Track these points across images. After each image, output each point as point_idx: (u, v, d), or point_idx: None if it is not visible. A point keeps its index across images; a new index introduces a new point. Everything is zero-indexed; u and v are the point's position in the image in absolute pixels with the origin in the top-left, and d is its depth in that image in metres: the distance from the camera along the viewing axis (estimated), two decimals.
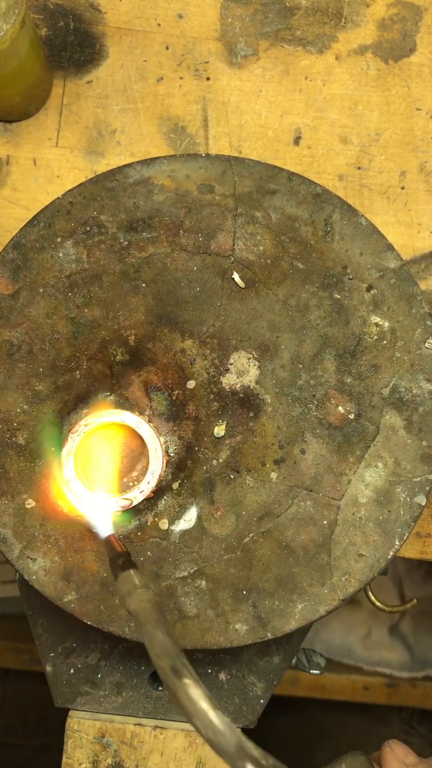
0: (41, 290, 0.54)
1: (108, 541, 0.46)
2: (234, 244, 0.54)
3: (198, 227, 0.54)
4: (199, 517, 0.53)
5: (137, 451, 0.53)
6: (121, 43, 0.63)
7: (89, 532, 0.52)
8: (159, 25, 0.63)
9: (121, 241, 0.54)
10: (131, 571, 0.41)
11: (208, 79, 0.63)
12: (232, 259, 0.54)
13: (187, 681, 0.34)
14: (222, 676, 0.58)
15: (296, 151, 0.63)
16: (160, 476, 0.52)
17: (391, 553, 0.52)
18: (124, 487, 0.53)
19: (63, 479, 0.51)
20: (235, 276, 0.54)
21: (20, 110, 0.61)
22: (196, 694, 0.34)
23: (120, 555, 0.44)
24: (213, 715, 0.33)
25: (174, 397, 0.54)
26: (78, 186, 0.55)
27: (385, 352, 0.54)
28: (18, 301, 0.54)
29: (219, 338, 0.54)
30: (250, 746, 0.33)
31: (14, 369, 0.53)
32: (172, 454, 0.53)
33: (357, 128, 0.63)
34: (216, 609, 0.52)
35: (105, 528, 0.49)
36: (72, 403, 0.53)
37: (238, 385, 0.54)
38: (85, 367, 0.54)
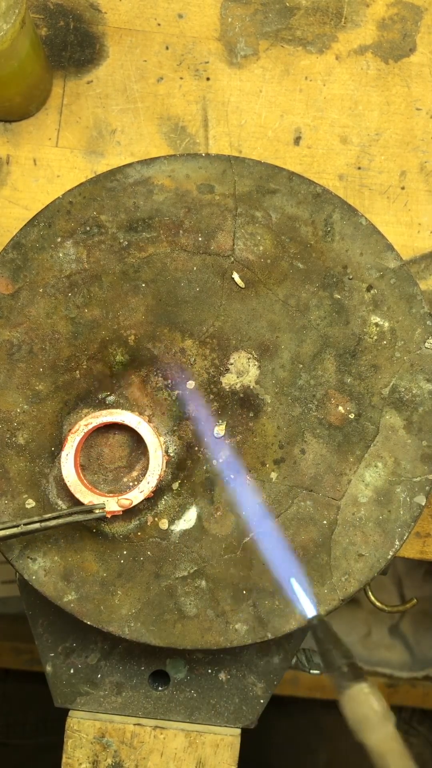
0: (41, 290, 0.54)
1: (319, 629, 0.35)
2: (234, 244, 0.54)
3: (198, 227, 0.54)
4: (199, 517, 0.53)
5: (137, 451, 0.53)
6: (121, 43, 0.63)
7: (95, 527, 0.52)
8: (159, 25, 0.63)
9: (121, 241, 0.54)
10: (366, 686, 0.31)
11: (208, 79, 0.63)
12: (232, 259, 0.54)
13: None
14: (222, 676, 0.58)
15: (296, 151, 0.63)
16: (160, 476, 0.52)
17: (391, 553, 0.52)
18: (124, 487, 0.53)
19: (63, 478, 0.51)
20: (235, 276, 0.54)
21: (20, 110, 0.61)
22: None
23: (344, 656, 0.33)
24: None
25: (174, 397, 0.54)
26: (78, 186, 0.55)
27: (385, 352, 0.54)
28: (18, 301, 0.54)
29: (219, 338, 0.54)
30: None
31: (14, 369, 0.53)
32: (172, 454, 0.53)
33: (357, 128, 0.63)
34: (216, 609, 0.52)
35: (309, 607, 0.38)
36: (72, 403, 0.53)
37: (238, 385, 0.54)
38: (85, 367, 0.54)
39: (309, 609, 0.37)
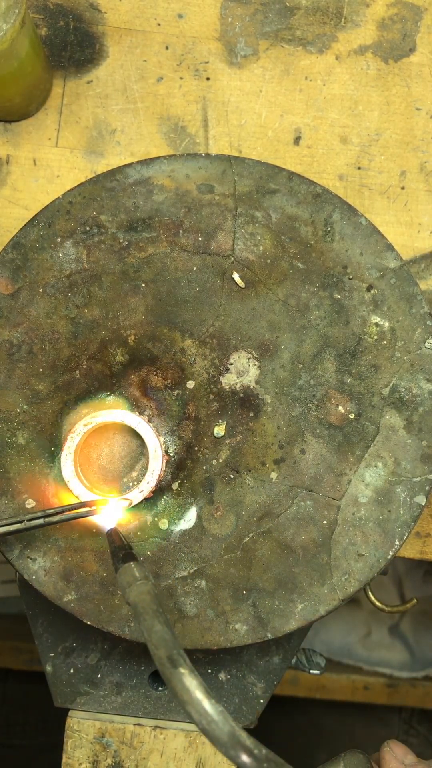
0: (41, 290, 0.54)
1: (110, 534, 0.47)
2: (234, 244, 0.54)
3: (198, 227, 0.54)
4: (199, 517, 0.53)
5: (137, 451, 0.53)
6: (121, 43, 0.63)
7: (95, 527, 0.52)
8: (159, 25, 0.63)
9: (121, 241, 0.54)
10: (132, 563, 0.42)
11: (208, 79, 0.63)
12: (232, 259, 0.54)
13: (183, 670, 0.34)
14: (222, 676, 0.58)
15: (296, 151, 0.63)
16: (159, 476, 0.52)
17: (391, 553, 0.52)
18: (124, 487, 0.53)
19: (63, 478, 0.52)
20: (235, 276, 0.54)
21: (20, 110, 0.61)
22: (191, 683, 0.34)
23: (121, 548, 0.44)
24: (207, 704, 0.33)
25: (174, 397, 0.54)
26: (78, 186, 0.55)
27: (385, 352, 0.54)
28: (18, 301, 0.54)
29: (219, 338, 0.54)
30: (243, 735, 0.33)
31: (14, 369, 0.53)
32: (172, 454, 0.53)
33: (357, 128, 0.63)
34: (216, 609, 0.52)
35: (108, 521, 0.50)
36: (72, 403, 0.53)
37: (238, 385, 0.54)
38: (85, 367, 0.54)
39: (109, 524, 0.50)
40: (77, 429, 0.51)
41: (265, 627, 0.52)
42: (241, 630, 0.52)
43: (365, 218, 0.54)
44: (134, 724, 0.57)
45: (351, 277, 0.54)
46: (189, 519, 0.53)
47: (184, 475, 0.53)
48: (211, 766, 0.56)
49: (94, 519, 0.51)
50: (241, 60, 0.63)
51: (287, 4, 0.63)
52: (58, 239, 0.54)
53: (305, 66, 0.63)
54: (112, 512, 0.51)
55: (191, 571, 0.52)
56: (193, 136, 0.63)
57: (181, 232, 0.54)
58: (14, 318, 0.54)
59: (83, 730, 0.57)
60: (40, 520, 0.49)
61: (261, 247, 0.54)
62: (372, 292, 0.54)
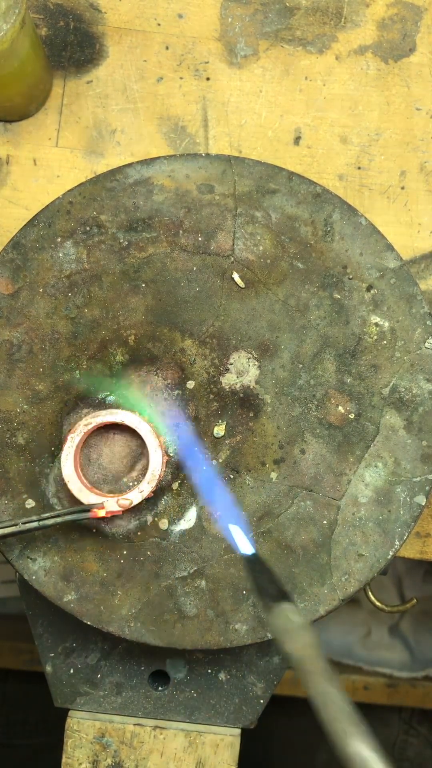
0: (41, 290, 0.54)
1: (253, 562, 0.41)
2: (234, 244, 0.54)
3: (198, 227, 0.54)
4: (199, 517, 0.53)
5: (137, 451, 0.53)
6: (121, 43, 0.63)
7: (95, 527, 0.52)
8: (159, 25, 0.63)
9: (121, 241, 0.54)
10: (288, 605, 0.36)
11: (208, 79, 0.63)
12: (232, 259, 0.54)
13: (366, 753, 0.30)
14: (222, 676, 0.58)
15: (296, 151, 0.63)
16: (159, 476, 0.52)
17: (391, 553, 0.52)
18: (124, 487, 0.53)
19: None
20: (235, 276, 0.54)
21: (20, 110, 0.61)
22: (376, 763, 0.30)
23: (272, 583, 0.39)
24: None
25: (174, 397, 0.54)
26: (78, 186, 0.55)
27: (385, 352, 0.54)
28: (18, 301, 0.54)
29: (219, 338, 0.54)
30: None
31: (14, 369, 0.53)
32: (172, 454, 0.53)
33: (357, 128, 0.63)
34: (216, 609, 0.52)
35: (246, 545, 0.44)
36: (72, 403, 0.53)
37: (238, 385, 0.54)
38: (85, 367, 0.54)
39: (247, 548, 0.43)
40: (77, 429, 0.51)
41: (265, 627, 0.52)
42: (241, 630, 0.52)
43: (365, 218, 0.54)
44: (134, 724, 0.57)
45: (351, 277, 0.54)
46: (189, 519, 0.53)
47: (184, 475, 0.53)
48: (211, 766, 0.56)
49: (231, 540, 0.47)
50: (241, 60, 0.63)
51: (287, 4, 0.63)
52: (58, 239, 0.54)
53: (305, 66, 0.63)
54: (244, 534, 0.46)
55: (191, 571, 0.52)
56: (193, 136, 0.63)
57: (181, 232, 0.54)
58: (14, 318, 0.54)
59: (83, 730, 0.57)
60: (35, 523, 0.49)
61: (261, 247, 0.54)
62: (372, 292, 0.54)
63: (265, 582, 0.39)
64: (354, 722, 0.31)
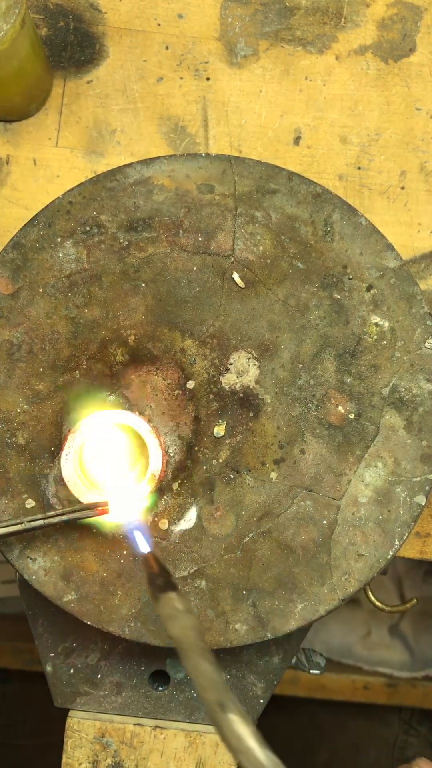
0: (41, 290, 0.54)
1: (147, 559, 0.45)
2: (234, 244, 0.54)
3: (198, 227, 0.54)
4: (199, 517, 0.53)
5: (137, 451, 0.53)
6: (121, 43, 0.63)
7: (95, 528, 0.52)
8: (159, 25, 0.63)
9: (121, 241, 0.54)
10: (173, 593, 0.39)
11: (208, 79, 0.63)
12: (232, 259, 0.54)
13: (234, 717, 0.33)
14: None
15: (296, 151, 0.63)
16: (159, 476, 0.52)
17: (391, 553, 0.52)
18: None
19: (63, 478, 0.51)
20: (235, 276, 0.54)
21: (20, 110, 0.61)
22: (243, 730, 0.32)
23: (160, 575, 0.42)
24: (261, 754, 0.32)
25: (174, 397, 0.54)
26: (78, 186, 0.55)
27: (385, 352, 0.54)
28: (18, 301, 0.54)
29: (219, 338, 0.54)
30: None
31: (14, 369, 0.53)
32: (172, 454, 0.53)
33: (357, 128, 0.63)
34: (216, 609, 0.52)
35: (143, 545, 0.48)
36: (72, 403, 0.53)
37: (238, 385, 0.54)
38: (85, 367, 0.54)
39: (144, 547, 0.47)
40: (77, 429, 0.51)
41: (265, 627, 0.52)
42: (241, 630, 0.52)
43: (365, 218, 0.54)
44: (134, 724, 0.57)
45: (351, 277, 0.54)
46: (189, 519, 0.53)
47: (184, 475, 0.53)
48: (211, 766, 0.56)
49: (129, 540, 0.50)
50: (241, 60, 0.63)
51: (287, 4, 0.63)
52: (58, 239, 0.54)
53: (305, 66, 0.63)
54: (143, 532, 0.48)
55: (191, 571, 0.52)
56: (193, 136, 0.63)
57: (181, 232, 0.54)
58: (14, 318, 0.54)
59: (83, 730, 0.57)
60: (40, 522, 0.49)
61: (261, 247, 0.54)
62: (372, 292, 0.54)
63: (155, 575, 0.42)
64: (224, 692, 0.33)
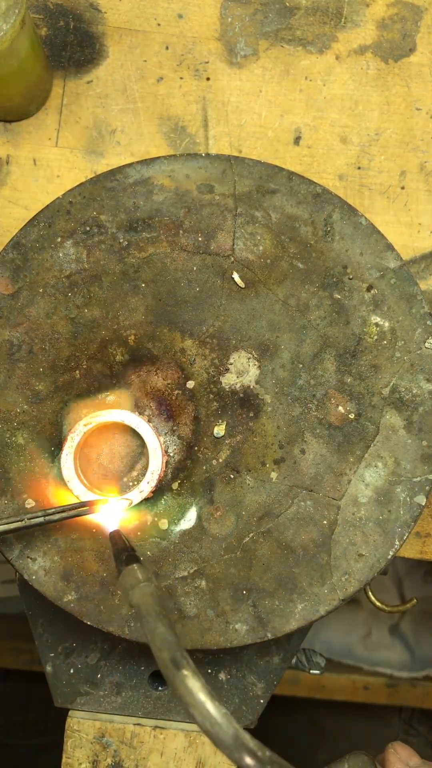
0: (41, 290, 0.54)
1: (112, 536, 0.47)
2: (234, 244, 0.54)
3: (198, 227, 0.54)
4: (198, 517, 0.53)
5: (137, 451, 0.53)
6: (121, 43, 0.63)
7: (95, 527, 0.52)
8: (159, 25, 0.63)
9: (121, 241, 0.54)
10: (135, 565, 0.42)
11: (208, 79, 0.63)
12: (232, 259, 0.54)
13: (186, 672, 0.34)
14: (222, 676, 0.58)
15: (296, 151, 0.63)
16: (159, 476, 0.52)
17: (391, 553, 0.52)
18: (124, 487, 0.53)
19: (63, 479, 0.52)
20: (235, 276, 0.54)
21: (20, 110, 0.61)
22: (194, 685, 0.34)
23: (124, 549, 0.44)
24: (211, 707, 0.33)
25: (174, 397, 0.54)
26: (78, 186, 0.55)
27: (385, 352, 0.54)
28: (18, 301, 0.54)
29: (219, 338, 0.54)
30: (246, 738, 0.33)
31: (14, 369, 0.53)
32: (171, 454, 0.53)
33: (357, 128, 0.63)
34: (216, 609, 0.52)
35: (110, 523, 0.50)
36: (72, 403, 0.53)
37: (238, 385, 0.54)
38: (85, 367, 0.54)
39: (112, 526, 0.49)
40: (77, 429, 0.51)
41: (265, 627, 0.52)
42: (241, 630, 0.52)
43: (365, 218, 0.54)
44: (134, 724, 0.57)
45: (351, 277, 0.54)
46: (189, 519, 0.53)
47: (184, 475, 0.53)
48: (211, 766, 0.56)
49: (96, 519, 0.51)
50: (241, 60, 0.63)
51: (287, 4, 0.63)
52: (58, 239, 0.54)
53: (305, 66, 0.63)
54: (113, 512, 0.51)
55: (191, 571, 0.52)
56: (193, 136, 0.63)
57: (181, 232, 0.54)
58: (14, 318, 0.54)
59: (83, 730, 0.57)
60: (41, 519, 0.49)
61: (261, 247, 0.54)
62: (372, 292, 0.54)
63: (120, 551, 0.44)
64: (177, 650, 0.35)
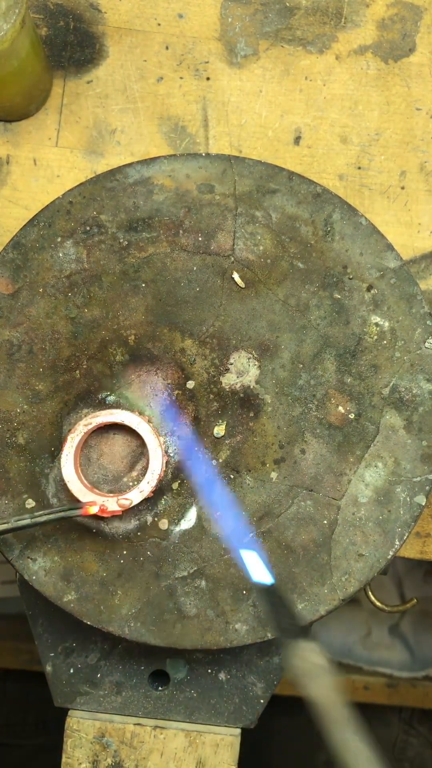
0: (41, 290, 0.54)
1: (273, 591, 0.39)
2: (234, 244, 0.54)
3: (198, 227, 0.54)
4: (199, 517, 0.53)
5: (137, 451, 0.53)
6: (121, 42, 0.63)
7: (95, 528, 0.52)
8: (159, 24, 0.63)
9: (121, 241, 0.54)
10: (308, 644, 0.35)
11: (208, 79, 0.63)
12: (232, 258, 0.54)
13: None
14: (222, 676, 0.58)
15: (296, 151, 0.63)
16: (159, 476, 0.52)
17: (391, 553, 0.52)
18: (124, 487, 0.53)
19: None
20: (235, 276, 0.54)
21: (20, 110, 0.61)
22: None
23: (291, 616, 0.37)
24: None
25: (174, 397, 0.54)
26: (78, 186, 0.55)
27: (385, 352, 0.54)
28: (18, 301, 0.54)
29: (219, 338, 0.54)
30: None
31: (14, 369, 0.53)
32: (172, 454, 0.53)
33: (357, 128, 0.63)
34: (216, 609, 0.52)
35: (264, 572, 0.41)
36: (72, 403, 0.53)
37: (238, 385, 0.54)
38: (85, 367, 0.54)
39: (265, 577, 0.40)
40: (77, 429, 0.51)
41: (265, 627, 0.52)
42: (241, 630, 0.52)
43: (365, 218, 0.54)
44: (134, 724, 0.57)
45: (351, 277, 0.54)
46: (189, 519, 0.53)
47: (184, 475, 0.53)
48: (211, 766, 0.56)
49: (245, 566, 0.45)
50: (241, 60, 0.63)
51: (287, 4, 0.63)
52: (58, 239, 0.54)
53: (305, 66, 0.63)
54: (263, 561, 0.44)
55: (191, 571, 0.52)
56: (193, 136, 0.63)
57: (181, 232, 0.54)
58: (14, 318, 0.54)
59: (83, 729, 0.57)
60: (27, 521, 0.49)
61: (261, 247, 0.54)
62: (372, 292, 0.54)
63: (283, 617, 0.37)
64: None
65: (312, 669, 0.34)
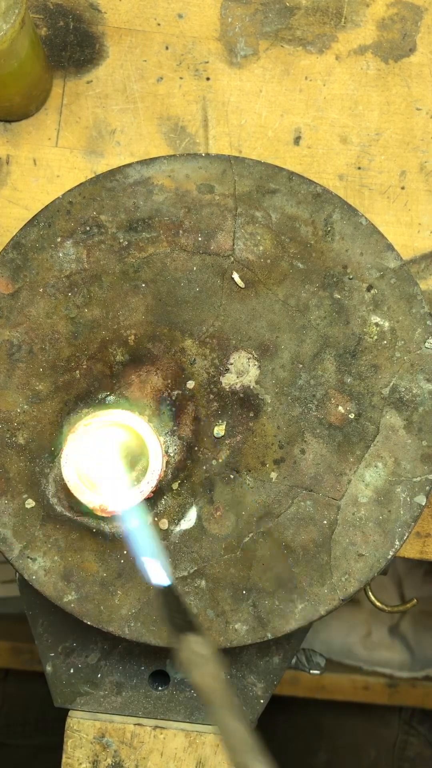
0: (41, 290, 0.54)
1: (166, 592, 0.41)
2: (234, 244, 0.54)
3: (198, 227, 0.54)
4: (198, 517, 0.53)
5: (137, 451, 0.53)
6: (121, 42, 0.63)
7: (93, 528, 0.52)
8: (159, 24, 0.63)
9: (121, 241, 0.54)
10: (195, 637, 0.37)
11: (208, 79, 0.63)
12: (232, 259, 0.54)
13: None
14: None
15: (296, 151, 0.63)
16: (159, 476, 0.52)
17: (391, 553, 0.52)
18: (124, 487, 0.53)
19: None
20: (235, 276, 0.54)
21: (20, 110, 0.61)
22: None
23: (181, 613, 0.39)
24: None
25: (174, 397, 0.54)
26: (78, 186, 0.55)
27: (385, 352, 0.54)
28: (18, 301, 0.54)
29: (219, 338, 0.54)
30: None
31: (14, 369, 0.53)
32: (171, 454, 0.53)
33: (357, 128, 0.63)
34: (216, 609, 0.52)
35: (162, 575, 0.43)
36: (72, 403, 0.53)
37: (238, 385, 0.54)
38: (85, 367, 0.54)
39: (162, 579, 0.43)
40: (77, 429, 0.51)
41: (265, 627, 0.52)
42: (241, 630, 0.52)
43: (365, 218, 0.54)
44: (134, 724, 0.57)
45: (351, 277, 0.54)
46: (189, 519, 0.53)
47: (184, 475, 0.53)
48: (211, 766, 0.56)
49: (142, 569, 0.46)
50: (241, 60, 0.63)
51: (287, 4, 0.63)
52: (58, 239, 0.54)
53: (305, 66, 0.63)
54: (163, 562, 0.45)
55: (191, 571, 0.52)
56: (193, 136, 0.63)
57: (181, 232, 0.54)
58: (14, 318, 0.54)
59: (83, 730, 0.57)
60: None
61: (261, 247, 0.54)
62: (372, 292, 0.54)
63: (175, 614, 0.39)
64: (256, 754, 0.32)
65: (197, 659, 0.36)
